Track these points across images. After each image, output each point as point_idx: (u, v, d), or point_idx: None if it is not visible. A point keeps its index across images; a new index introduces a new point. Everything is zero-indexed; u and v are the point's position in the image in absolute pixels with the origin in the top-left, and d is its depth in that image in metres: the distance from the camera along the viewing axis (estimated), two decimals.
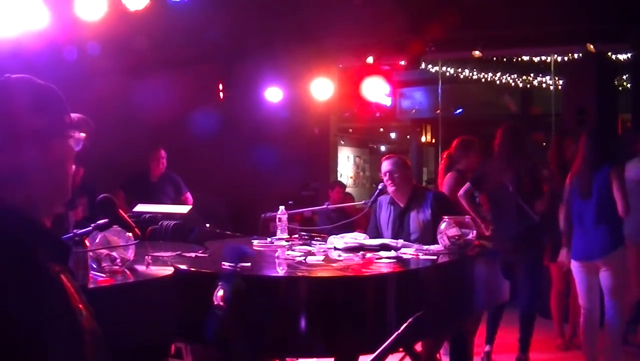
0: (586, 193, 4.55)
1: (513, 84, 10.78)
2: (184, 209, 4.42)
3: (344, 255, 3.40)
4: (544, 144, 10.89)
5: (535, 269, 5.12)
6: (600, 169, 4.52)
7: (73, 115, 1.42)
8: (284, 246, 3.79)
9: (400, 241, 3.70)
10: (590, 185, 4.53)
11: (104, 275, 2.57)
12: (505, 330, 5.33)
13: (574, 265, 4.68)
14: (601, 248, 4.50)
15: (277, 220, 4.12)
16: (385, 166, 4.26)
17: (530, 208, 4.99)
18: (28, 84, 1.36)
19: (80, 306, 1.25)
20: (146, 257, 2.88)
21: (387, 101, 7.10)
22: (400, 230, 4.19)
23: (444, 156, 5.78)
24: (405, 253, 3.39)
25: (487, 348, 5.12)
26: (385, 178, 4.23)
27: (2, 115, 1.30)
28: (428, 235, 3.97)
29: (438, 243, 3.54)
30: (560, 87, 9.83)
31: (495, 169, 5.14)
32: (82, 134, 1.42)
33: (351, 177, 13.76)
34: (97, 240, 2.67)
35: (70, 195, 1.42)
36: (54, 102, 1.37)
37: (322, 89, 6.92)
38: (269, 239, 3.98)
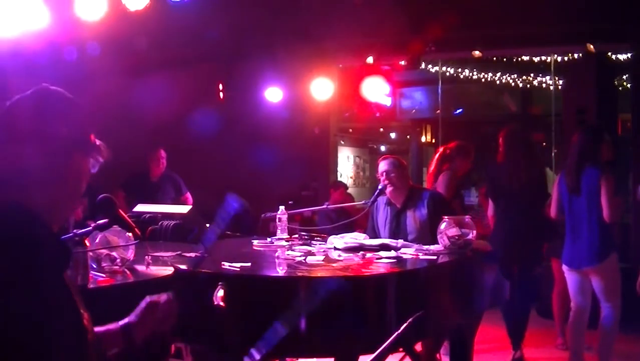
0: (574, 188, 4.53)
1: (513, 84, 10.78)
2: (184, 209, 4.42)
3: (344, 255, 3.40)
4: (544, 144, 10.89)
5: (535, 269, 5.26)
6: (588, 168, 4.49)
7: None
8: (284, 246, 3.79)
9: (400, 241, 3.70)
10: (578, 182, 4.51)
11: (104, 275, 2.57)
12: (496, 328, 5.38)
13: (564, 268, 4.70)
14: (591, 258, 4.49)
15: (277, 220, 4.12)
16: (382, 166, 4.26)
17: (536, 210, 5.05)
18: (59, 96, 1.39)
19: (79, 306, 1.26)
20: (146, 257, 2.89)
21: (387, 101, 7.08)
22: (397, 230, 4.19)
23: (438, 150, 5.76)
24: (405, 253, 3.39)
25: (517, 354, 5.15)
26: (381, 178, 4.24)
27: (19, 120, 1.33)
28: (425, 235, 3.97)
29: (436, 243, 3.54)
30: (560, 87, 9.83)
31: (504, 172, 5.19)
32: (102, 159, 1.44)
33: (351, 178, 13.76)
34: (97, 240, 2.67)
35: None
36: (80, 117, 1.40)
37: (322, 89, 6.91)
38: (269, 239, 3.97)
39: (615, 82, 9.11)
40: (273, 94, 7.24)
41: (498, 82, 10.72)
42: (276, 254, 3.49)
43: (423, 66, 9.09)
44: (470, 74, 10.61)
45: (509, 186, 5.14)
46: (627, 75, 9.10)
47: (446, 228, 3.49)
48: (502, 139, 5.28)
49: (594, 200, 4.43)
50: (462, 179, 5.60)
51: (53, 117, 1.36)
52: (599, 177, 4.41)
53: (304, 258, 3.22)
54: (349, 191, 9.79)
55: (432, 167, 5.66)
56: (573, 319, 4.68)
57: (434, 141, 13.06)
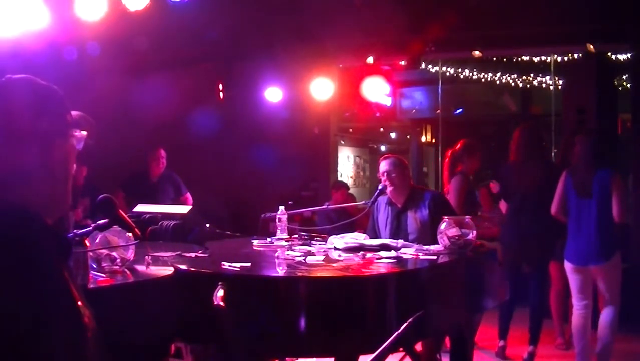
0: (585, 193, 4.59)
1: (513, 84, 10.78)
2: (184, 209, 4.41)
3: (344, 255, 3.39)
4: (544, 144, 10.88)
5: (546, 267, 5.32)
6: (600, 170, 4.56)
7: (73, 113, 1.43)
8: (284, 246, 3.78)
9: (400, 241, 3.70)
10: (590, 185, 4.57)
11: (104, 275, 2.57)
12: (496, 328, 5.42)
13: (568, 266, 4.73)
14: (598, 256, 4.56)
15: (277, 220, 4.11)
16: (383, 166, 4.26)
17: (546, 210, 5.11)
18: (28, 85, 1.37)
19: (80, 303, 1.26)
20: (146, 257, 2.88)
21: (387, 101, 7.09)
22: (397, 230, 4.19)
23: (448, 154, 5.80)
24: (405, 253, 3.39)
25: (501, 343, 5.31)
26: (382, 178, 4.24)
27: (2, 114, 1.31)
28: (426, 235, 3.97)
29: (437, 243, 3.54)
30: (560, 87, 9.83)
31: (515, 172, 5.26)
32: (84, 133, 1.43)
33: (351, 177, 13.75)
34: (97, 240, 2.67)
35: (72, 196, 1.43)
36: (55, 102, 1.38)
37: (322, 89, 6.92)
38: (269, 239, 3.97)
39: (615, 82, 9.11)
40: (273, 94, 7.24)
41: (498, 82, 10.72)
42: (276, 254, 3.48)
43: (423, 66, 9.09)
44: (470, 74, 10.61)
45: (519, 185, 5.20)
46: (627, 75, 9.10)
47: (446, 228, 3.48)
48: (515, 138, 5.33)
49: (605, 201, 4.52)
50: (473, 179, 5.63)
51: (38, 111, 1.34)
52: (611, 179, 4.52)
53: (304, 258, 3.22)
54: (349, 191, 9.77)
55: (444, 173, 5.73)
56: (579, 320, 4.69)
57: (434, 141, 13.07)
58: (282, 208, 4.15)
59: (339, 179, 11.13)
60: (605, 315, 4.60)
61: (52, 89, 1.39)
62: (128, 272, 2.71)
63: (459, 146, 5.64)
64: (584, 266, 4.63)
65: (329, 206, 5.54)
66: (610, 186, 4.51)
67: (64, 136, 1.38)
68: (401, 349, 3.60)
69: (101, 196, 2.80)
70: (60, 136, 1.37)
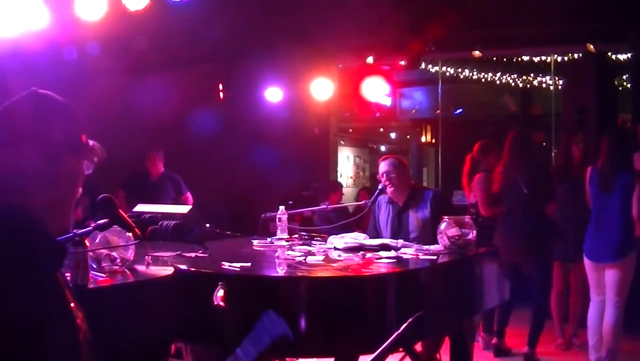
0: (608, 188, 4.64)
1: (513, 84, 10.78)
2: (184, 209, 4.41)
3: (344, 255, 3.39)
4: (544, 144, 10.89)
5: (546, 268, 5.29)
6: (623, 170, 4.64)
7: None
8: (284, 246, 3.78)
9: (400, 241, 3.70)
10: (613, 181, 4.63)
11: (104, 275, 2.57)
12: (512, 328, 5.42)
13: (587, 263, 4.82)
14: (614, 253, 4.64)
15: (277, 220, 4.11)
16: (382, 167, 4.26)
17: (541, 210, 5.14)
18: (44, 97, 1.41)
19: (73, 305, 1.26)
20: (146, 257, 2.88)
21: (387, 101, 7.09)
22: (399, 229, 4.19)
23: (467, 159, 5.94)
24: (405, 253, 3.39)
25: (495, 341, 5.37)
26: (382, 179, 4.24)
27: (10, 119, 1.33)
28: (427, 234, 3.97)
29: (437, 243, 3.54)
30: (560, 87, 9.84)
31: (506, 174, 5.29)
32: (95, 159, 1.45)
33: (351, 177, 13.75)
34: (97, 240, 2.66)
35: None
36: (71, 120, 1.42)
37: (322, 89, 6.92)
38: (269, 239, 3.97)
39: (615, 82, 9.11)
40: (273, 94, 7.24)
41: (498, 82, 10.72)
42: (276, 254, 3.48)
43: (423, 66, 9.10)
44: (470, 74, 10.61)
45: (510, 186, 5.22)
46: (627, 75, 9.11)
47: (446, 228, 3.48)
48: (506, 142, 5.37)
49: (627, 200, 4.59)
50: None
51: (50, 122, 1.38)
52: (634, 180, 4.61)
53: (304, 258, 3.22)
54: (348, 190, 9.77)
55: (464, 179, 5.86)
56: (595, 314, 4.76)
57: (434, 141, 13.06)
58: (282, 208, 4.14)
59: (339, 179, 11.14)
60: (611, 314, 4.63)
61: (70, 108, 1.43)
62: (128, 272, 2.71)
63: (475, 148, 5.77)
64: (602, 263, 4.69)
65: (328, 206, 5.55)
66: (634, 186, 4.59)
67: (77, 154, 1.41)
68: (401, 349, 3.60)
69: (101, 196, 2.80)
70: (72, 153, 1.40)
